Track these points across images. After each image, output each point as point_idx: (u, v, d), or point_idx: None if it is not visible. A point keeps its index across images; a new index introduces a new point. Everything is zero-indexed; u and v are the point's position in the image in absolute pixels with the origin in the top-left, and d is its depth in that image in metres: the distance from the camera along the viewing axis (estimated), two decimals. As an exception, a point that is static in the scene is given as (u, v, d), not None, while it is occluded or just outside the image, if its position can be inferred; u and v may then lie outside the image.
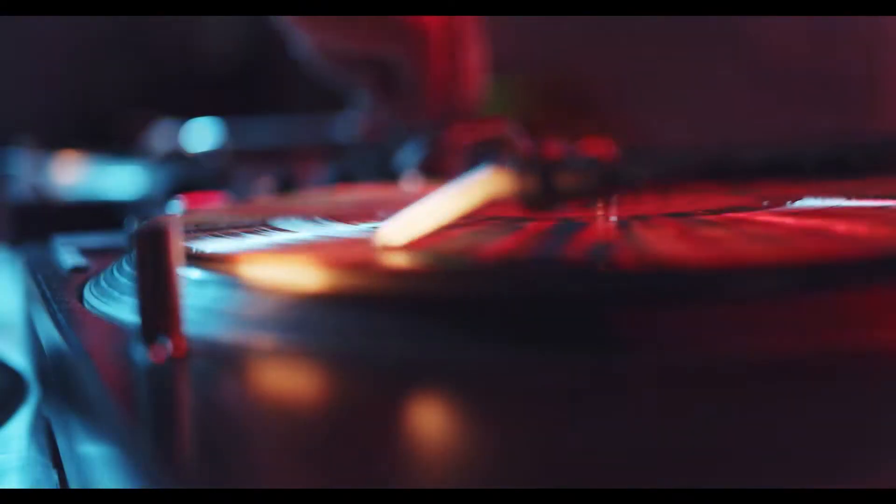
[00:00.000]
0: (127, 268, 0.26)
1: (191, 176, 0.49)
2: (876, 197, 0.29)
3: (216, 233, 0.28)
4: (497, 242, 0.25)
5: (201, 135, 0.64)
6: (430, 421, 0.16)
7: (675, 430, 0.15)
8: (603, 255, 0.23)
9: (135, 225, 0.19)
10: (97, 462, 0.17)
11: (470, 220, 0.26)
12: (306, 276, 0.22)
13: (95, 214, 0.51)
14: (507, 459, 0.14)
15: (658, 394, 0.16)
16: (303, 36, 0.53)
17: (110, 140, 0.76)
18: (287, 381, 0.19)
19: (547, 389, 0.17)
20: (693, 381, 0.17)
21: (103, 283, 0.26)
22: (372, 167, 0.50)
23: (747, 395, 0.16)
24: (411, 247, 0.24)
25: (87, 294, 0.26)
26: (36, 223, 0.51)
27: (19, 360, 0.35)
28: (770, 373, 0.17)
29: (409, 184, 0.46)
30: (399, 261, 0.23)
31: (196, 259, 0.24)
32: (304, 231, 0.28)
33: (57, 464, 0.25)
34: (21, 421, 0.29)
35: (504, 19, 0.57)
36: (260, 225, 0.29)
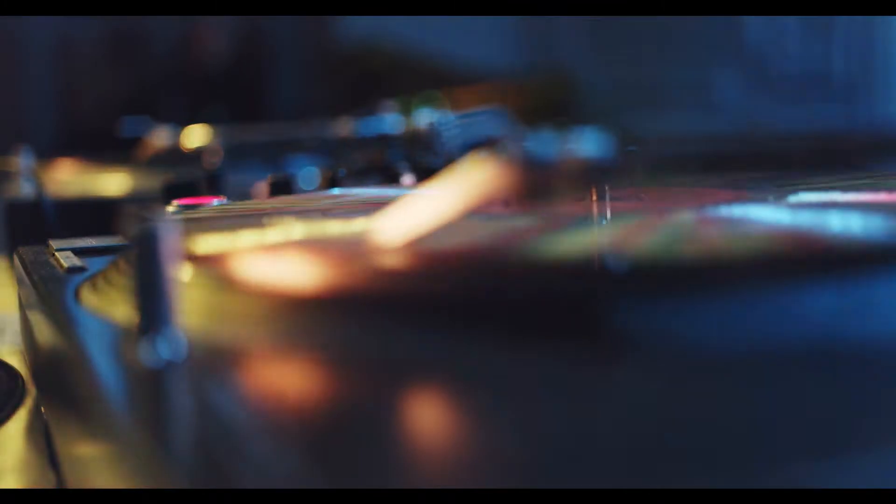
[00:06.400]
0: (123, 268, 0.26)
1: (186, 177, 0.49)
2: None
3: (211, 232, 0.28)
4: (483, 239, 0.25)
5: (197, 137, 0.64)
6: (430, 421, 0.16)
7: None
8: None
9: (131, 226, 0.19)
10: (96, 462, 0.17)
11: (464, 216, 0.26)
12: (303, 275, 0.21)
13: (92, 217, 0.50)
14: (504, 459, 0.14)
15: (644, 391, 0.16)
16: None
17: (107, 144, 0.76)
18: (286, 381, 0.19)
19: (546, 385, 0.17)
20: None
21: (99, 284, 0.26)
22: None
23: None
24: (407, 245, 0.23)
25: (83, 294, 0.26)
26: (33, 225, 0.51)
27: (16, 360, 0.35)
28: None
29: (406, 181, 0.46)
30: (395, 259, 0.23)
31: (192, 259, 0.24)
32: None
33: (55, 464, 0.25)
34: (18, 421, 0.29)
35: (504, 20, 0.57)
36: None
